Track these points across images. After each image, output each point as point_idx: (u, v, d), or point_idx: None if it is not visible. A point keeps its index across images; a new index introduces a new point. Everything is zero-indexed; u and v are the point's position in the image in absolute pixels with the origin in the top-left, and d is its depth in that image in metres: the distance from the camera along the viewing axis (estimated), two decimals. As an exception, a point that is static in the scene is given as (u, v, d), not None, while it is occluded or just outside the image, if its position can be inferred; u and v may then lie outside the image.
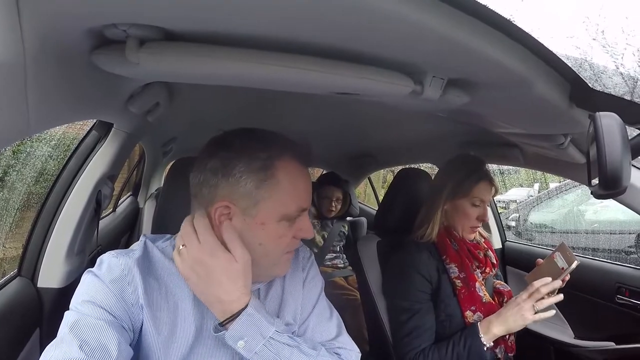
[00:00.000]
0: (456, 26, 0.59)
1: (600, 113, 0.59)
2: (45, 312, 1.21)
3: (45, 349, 0.67)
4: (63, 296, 1.24)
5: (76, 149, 1.34)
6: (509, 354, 1.33)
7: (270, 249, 0.80)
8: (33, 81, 0.56)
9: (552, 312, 1.21)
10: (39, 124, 0.68)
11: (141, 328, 0.76)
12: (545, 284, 1.18)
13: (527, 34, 0.64)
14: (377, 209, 2.34)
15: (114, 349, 0.67)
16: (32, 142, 2.10)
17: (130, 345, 0.73)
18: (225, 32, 0.63)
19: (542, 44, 0.66)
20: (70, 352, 0.65)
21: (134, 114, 1.12)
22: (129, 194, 2.65)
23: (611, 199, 1.12)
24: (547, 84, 0.75)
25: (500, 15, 0.60)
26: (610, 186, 0.58)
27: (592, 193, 0.65)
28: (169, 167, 2.09)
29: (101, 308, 0.71)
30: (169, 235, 0.88)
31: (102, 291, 0.73)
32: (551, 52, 0.68)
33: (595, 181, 0.65)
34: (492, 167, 4.27)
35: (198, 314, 0.79)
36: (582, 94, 0.76)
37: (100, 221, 1.51)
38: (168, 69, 0.69)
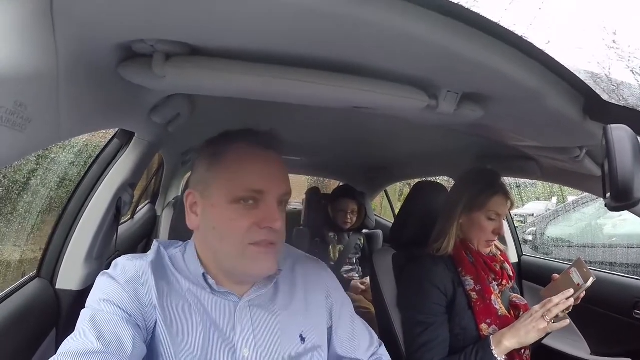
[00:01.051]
0: (469, 42, 0.61)
1: (612, 125, 0.59)
2: (62, 313, 1.23)
3: (64, 341, 0.69)
4: (80, 298, 1.25)
5: (98, 156, 1.37)
6: (524, 369, 1.31)
7: (225, 234, 0.78)
8: (65, 91, 0.60)
9: (567, 321, 1.19)
10: (69, 131, 0.72)
11: (154, 328, 0.77)
12: (564, 298, 1.16)
13: (538, 49, 0.65)
14: (393, 221, 2.34)
15: (129, 344, 0.69)
16: (57, 148, 2.16)
17: (144, 343, 0.74)
18: (247, 49, 0.67)
19: (554, 59, 0.67)
20: (88, 344, 0.66)
21: (156, 124, 1.15)
22: (147, 201, 2.69)
23: (629, 212, 1.11)
24: (560, 97, 0.76)
25: (512, 32, 0.62)
26: (622, 198, 0.58)
27: (606, 205, 0.65)
28: (187, 176, 2.12)
29: (116, 306, 0.73)
30: (180, 243, 0.90)
31: (117, 291, 0.75)
32: (563, 66, 0.69)
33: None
34: (509, 181, 4.23)
35: (205, 320, 0.80)
36: (595, 106, 0.77)
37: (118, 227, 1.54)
38: (192, 82, 0.73)
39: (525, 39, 0.64)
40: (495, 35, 0.62)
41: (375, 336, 1.03)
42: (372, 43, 0.61)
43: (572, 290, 1.17)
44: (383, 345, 1.04)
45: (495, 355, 1.19)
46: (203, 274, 0.82)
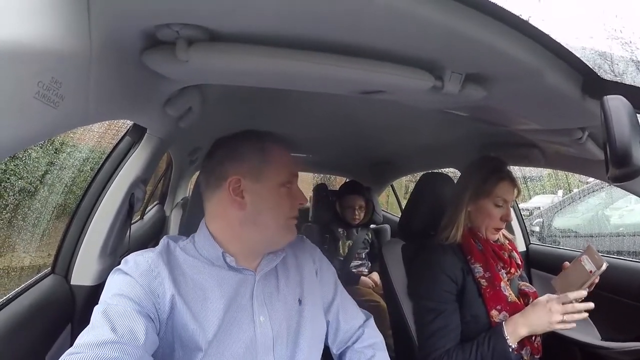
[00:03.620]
0: (471, 23, 0.65)
1: (608, 96, 0.62)
2: (77, 308, 1.25)
3: (80, 335, 0.72)
4: (95, 294, 1.27)
5: (111, 153, 1.39)
6: (535, 356, 1.31)
7: (279, 212, 0.93)
8: (94, 73, 0.63)
9: (585, 314, 1.19)
10: (96, 115, 0.75)
11: (173, 314, 0.81)
12: (578, 297, 1.18)
13: (537, 28, 0.68)
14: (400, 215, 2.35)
15: (142, 335, 0.73)
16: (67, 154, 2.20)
17: (157, 334, 0.78)
18: (262, 33, 0.71)
19: (552, 38, 0.70)
20: (102, 335, 0.70)
21: (168, 118, 1.18)
22: (156, 202, 2.72)
23: (636, 202, 1.11)
24: (559, 76, 0.79)
25: (512, 13, 0.65)
26: (622, 162, 0.59)
27: (609, 178, 0.66)
28: (196, 175, 2.15)
29: (129, 299, 0.77)
30: (184, 237, 0.96)
31: (129, 284, 0.79)
32: (561, 45, 0.72)
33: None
34: (515, 175, 4.21)
35: (225, 294, 0.87)
36: (593, 84, 0.80)
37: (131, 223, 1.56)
38: (213, 67, 0.77)
39: (525, 20, 0.67)
40: (496, 16, 0.66)
41: (362, 312, 1.16)
42: (383, 26, 0.65)
43: (585, 293, 1.18)
44: (372, 318, 1.16)
45: (510, 343, 1.20)
46: (222, 253, 0.89)
